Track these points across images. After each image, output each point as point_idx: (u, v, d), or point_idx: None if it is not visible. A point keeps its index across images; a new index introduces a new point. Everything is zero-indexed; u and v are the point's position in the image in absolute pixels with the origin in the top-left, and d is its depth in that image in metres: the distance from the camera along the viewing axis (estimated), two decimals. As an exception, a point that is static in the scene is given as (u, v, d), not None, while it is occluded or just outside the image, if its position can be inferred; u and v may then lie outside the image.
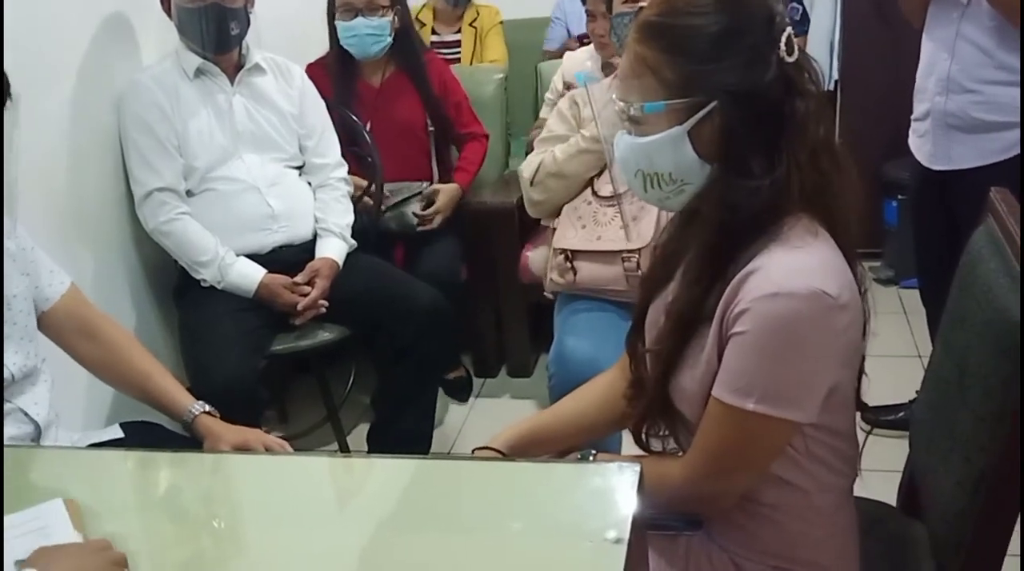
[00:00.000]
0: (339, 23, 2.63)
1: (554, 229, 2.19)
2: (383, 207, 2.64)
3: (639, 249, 1.96)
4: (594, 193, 2.12)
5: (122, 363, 1.65)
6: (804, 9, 3.36)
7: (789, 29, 1.12)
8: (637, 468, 1.08)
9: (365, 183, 2.64)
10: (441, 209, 2.70)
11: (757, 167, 1.10)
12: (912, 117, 2.20)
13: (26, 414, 1.48)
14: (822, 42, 3.39)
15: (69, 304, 1.61)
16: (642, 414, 1.27)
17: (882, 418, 2.39)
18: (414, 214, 2.66)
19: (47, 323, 1.58)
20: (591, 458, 1.23)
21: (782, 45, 1.11)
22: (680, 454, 1.25)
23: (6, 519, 1.07)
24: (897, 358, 2.81)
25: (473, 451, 1.38)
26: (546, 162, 2.17)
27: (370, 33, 2.62)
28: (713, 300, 1.13)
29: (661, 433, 1.28)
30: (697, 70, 1.10)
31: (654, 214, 1.92)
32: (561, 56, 3.06)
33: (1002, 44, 1.95)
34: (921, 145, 2.17)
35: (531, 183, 2.20)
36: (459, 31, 3.55)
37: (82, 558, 1.00)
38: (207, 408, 1.60)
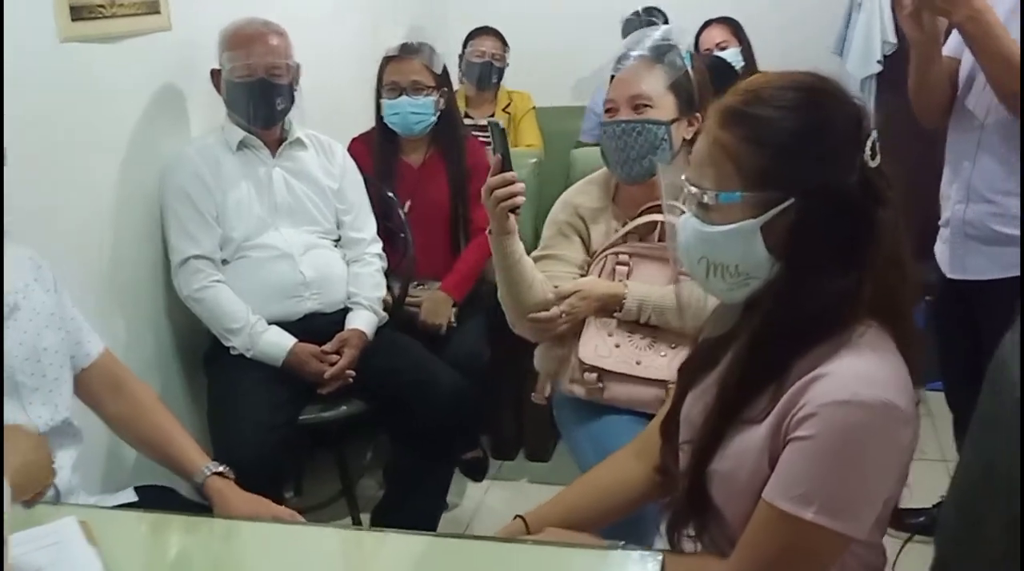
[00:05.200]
0: (384, 101, 2.66)
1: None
2: (405, 304, 2.58)
3: None
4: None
5: (144, 421, 1.67)
6: None
7: (875, 133, 1.09)
8: (659, 558, 1.06)
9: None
10: (428, 322, 2.56)
11: (827, 270, 1.07)
12: (939, 222, 2.15)
13: None
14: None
15: (105, 362, 1.65)
16: (676, 511, 1.23)
17: (905, 521, 2.32)
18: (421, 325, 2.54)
19: (83, 381, 1.61)
20: (620, 547, 1.20)
21: (867, 149, 1.08)
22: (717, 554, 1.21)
23: (23, 533, 1.12)
24: (921, 461, 2.75)
25: (515, 517, 1.35)
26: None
27: (414, 112, 2.64)
28: (766, 399, 1.10)
29: (689, 534, 1.23)
30: (777, 164, 1.07)
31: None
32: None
33: None
34: (942, 252, 2.12)
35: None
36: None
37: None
38: (221, 469, 1.61)
